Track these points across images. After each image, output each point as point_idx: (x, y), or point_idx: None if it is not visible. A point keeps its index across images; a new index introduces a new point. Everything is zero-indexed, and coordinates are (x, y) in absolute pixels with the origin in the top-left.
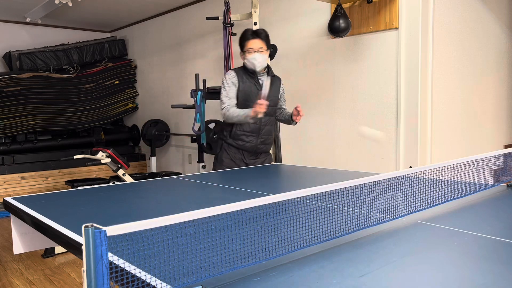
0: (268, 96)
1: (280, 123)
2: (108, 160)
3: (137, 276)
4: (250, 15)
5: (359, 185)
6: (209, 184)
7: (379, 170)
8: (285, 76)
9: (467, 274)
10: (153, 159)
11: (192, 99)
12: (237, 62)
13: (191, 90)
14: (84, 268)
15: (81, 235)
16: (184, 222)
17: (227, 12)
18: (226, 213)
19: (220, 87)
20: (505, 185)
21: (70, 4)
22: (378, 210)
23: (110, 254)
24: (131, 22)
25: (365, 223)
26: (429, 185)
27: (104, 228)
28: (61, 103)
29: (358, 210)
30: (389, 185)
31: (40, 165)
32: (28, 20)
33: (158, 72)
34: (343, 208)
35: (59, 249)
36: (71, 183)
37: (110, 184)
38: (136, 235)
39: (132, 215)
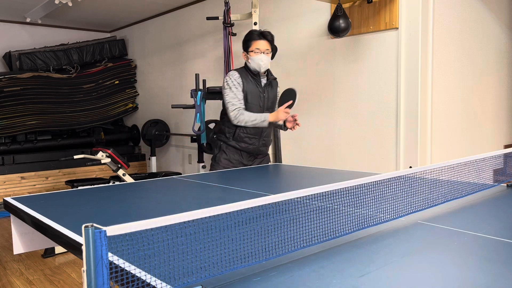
0: (269, 97)
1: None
2: (108, 160)
3: (137, 276)
4: (250, 15)
5: (359, 185)
6: (209, 184)
7: (379, 170)
8: (285, 76)
9: (467, 274)
10: (153, 159)
11: (192, 99)
12: (237, 62)
13: (191, 90)
14: (84, 268)
15: (81, 235)
16: (184, 222)
17: (227, 12)
18: (226, 213)
19: (220, 87)
20: (505, 185)
21: (70, 4)
22: (378, 210)
23: (110, 254)
24: (131, 22)
25: (365, 223)
26: (429, 185)
27: (104, 228)
28: (61, 103)
29: (358, 210)
30: (389, 185)
31: (40, 165)
32: (28, 20)
33: (158, 72)
34: (343, 208)
35: (59, 249)
36: (71, 183)
37: (110, 184)
38: (136, 235)
39: (132, 215)
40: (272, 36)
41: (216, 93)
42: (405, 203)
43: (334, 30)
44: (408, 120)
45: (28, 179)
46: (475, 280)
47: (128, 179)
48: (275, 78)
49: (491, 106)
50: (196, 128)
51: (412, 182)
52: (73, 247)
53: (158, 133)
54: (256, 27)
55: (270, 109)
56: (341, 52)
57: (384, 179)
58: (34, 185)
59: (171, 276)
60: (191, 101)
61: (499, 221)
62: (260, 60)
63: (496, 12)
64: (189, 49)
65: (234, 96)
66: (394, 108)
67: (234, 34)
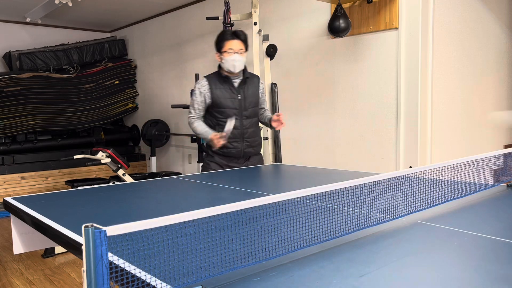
0: (247, 97)
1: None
2: (108, 160)
3: (137, 276)
4: (250, 15)
5: (359, 185)
6: (209, 184)
7: (379, 170)
8: (285, 76)
9: (467, 274)
10: (153, 159)
11: None
12: None
13: (191, 90)
14: (84, 268)
15: (81, 235)
16: (184, 222)
17: (227, 12)
18: (226, 213)
19: None
20: (505, 185)
21: (70, 4)
22: (378, 210)
23: (110, 254)
24: (131, 22)
25: (365, 223)
26: (429, 185)
27: (104, 228)
28: (61, 103)
29: (358, 210)
30: (389, 185)
31: (40, 165)
32: (28, 20)
33: (158, 72)
34: (343, 208)
35: (59, 249)
36: (71, 183)
37: (110, 184)
38: (136, 235)
39: (132, 215)
40: (245, 36)
41: None
42: (405, 203)
43: (334, 30)
44: (408, 120)
45: (28, 179)
46: (475, 280)
47: (128, 179)
48: (255, 76)
49: (491, 106)
50: None
51: (412, 182)
52: (73, 247)
53: (158, 133)
54: (256, 27)
55: (252, 109)
56: (341, 52)
57: (384, 179)
58: (34, 185)
59: (171, 276)
60: None
61: (499, 221)
62: (233, 60)
63: (496, 12)
64: (189, 49)
65: (193, 105)
66: (394, 108)
67: None
